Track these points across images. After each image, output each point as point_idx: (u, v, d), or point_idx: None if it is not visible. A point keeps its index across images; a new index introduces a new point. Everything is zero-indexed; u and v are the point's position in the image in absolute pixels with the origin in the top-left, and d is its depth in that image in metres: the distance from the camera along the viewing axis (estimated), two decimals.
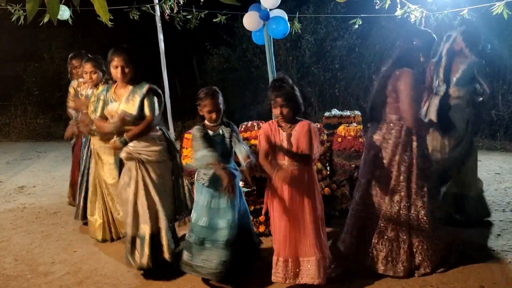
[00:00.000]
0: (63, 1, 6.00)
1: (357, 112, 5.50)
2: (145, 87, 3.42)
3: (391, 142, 3.28)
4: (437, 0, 5.80)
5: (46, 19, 6.65)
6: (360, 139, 4.88)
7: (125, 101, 3.38)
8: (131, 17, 7.88)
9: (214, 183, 3.13)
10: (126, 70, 3.39)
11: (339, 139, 4.94)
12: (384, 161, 3.31)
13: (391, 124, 3.31)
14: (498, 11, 4.70)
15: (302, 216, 3.02)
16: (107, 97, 3.49)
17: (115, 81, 3.51)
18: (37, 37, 13.02)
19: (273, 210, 3.11)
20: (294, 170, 2.97)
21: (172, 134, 10.20)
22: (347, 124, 5.08)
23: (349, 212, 3.59)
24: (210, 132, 3.16)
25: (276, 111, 2.92)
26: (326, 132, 5.15)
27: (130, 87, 3.43)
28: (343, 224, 4.23)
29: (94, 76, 4.33)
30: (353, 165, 4.83)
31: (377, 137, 3.37)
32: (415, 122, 3.22)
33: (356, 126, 4.98)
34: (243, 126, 5.60)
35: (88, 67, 4.31)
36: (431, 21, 5.98)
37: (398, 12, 5.48)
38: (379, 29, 9.50)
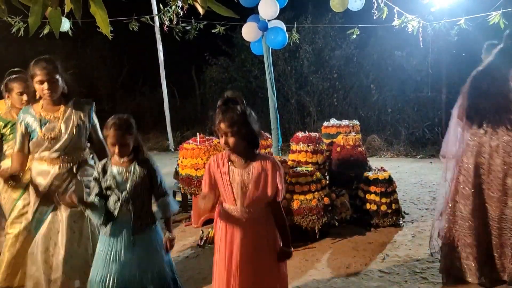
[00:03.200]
0: (65, 14, 6.04)
1: (356, 122, 5.52)
2: (92, 105, 3.00)
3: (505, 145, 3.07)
4: (434, 12, 5.87)
5: (46, 31, 6.70)
6: (359, 149, 4.89)
7: (65, 123, 2.85)
8: (131, 28, 7.94)
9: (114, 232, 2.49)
10: (54, 85, 2.78)
11: (338, 149, 4.95)
12: (493, 167, 3.09)
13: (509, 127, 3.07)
14: (494, 20, 4.76)
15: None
16: (28, 122, 2.83)
17: (37, 100, 2.89)
18: (36, 48, 13.08)
19: (217, 262, 2.40)
20: (248, 220, 2.26)
21: (171, 144, 10.25)
22: (346, 134, 5.09)
23: (448, 236, 3.27)
24: (114, 169, 2.48)
25: (221, 140, 2.22)
26: (325, 141, 5.16)
27: (62, 106, 2.88)
28: (342, 233, 4.26)
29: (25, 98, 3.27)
30: (352, 174, 4.84)
31: (490, 142, 3.13)
32: None
33: (354, 136, 4.99)
34: None
35: (18, 86, 3.29)
36: (428, 31, 6.04)
37: (396, 22, 5.54)
38: (377, 39, 9.57)
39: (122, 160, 2.49)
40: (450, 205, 3.30)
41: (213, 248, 4.12)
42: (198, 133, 4.84)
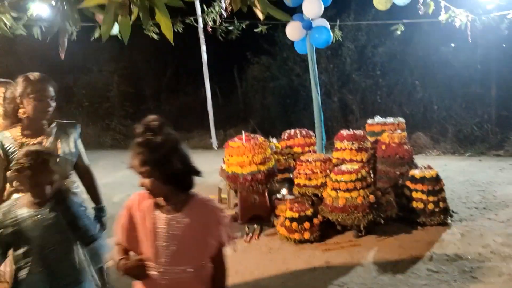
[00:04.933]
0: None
1: (401, 119, 5.46)
2: (77, 129, 2.68)
3: None
4: (482, 3, 5.69)
5: (97, 35, 7.02)
6: (405, 146, 4.85)
7: (55, 142, 2.52)
8: (175, 30, 8.16)
9: None
10: (54, 104, 2.49)
11: (383, 146, 4.92)
12: None
13: None
14: None
15: None
16: (8, 148, 2.41)
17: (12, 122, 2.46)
18: (85, 50, 13.69)
19: None
20: (169, 285, 1.70)
21: (214, 142, 10.46)
22: (391, 131, 5.05)
23: None
24: (24, 212, 1.98)
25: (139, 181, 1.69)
26: (369, 139, 5.15)
27: (45, 131, 2.51)
28: (387, 231, 4.25)
29: None
30: (397, 172, 4.80)
31: None
32: None
33: (400, 133, 4.95)
34: (286, 134, 5.69)
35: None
36: (477, 24, 5.86)
37: (443, 16, 5.41)
38: (422, 35, 9.35)
39: (35, 201, 2.00)
40: None
41: (258, 243, 4.25)
42: (243, 131, 4.95)
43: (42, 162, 1.96)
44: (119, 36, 7.07)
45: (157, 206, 1.72)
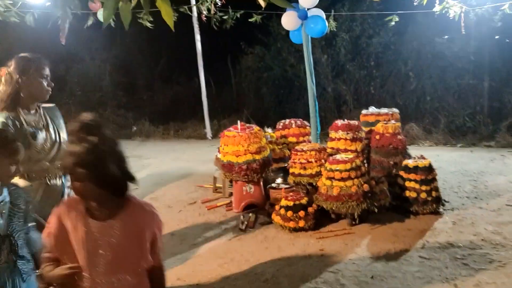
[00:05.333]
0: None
1: (395, 110, 5.51)
2: (58, 109, 2.64)
3: None
4: None
5: (90, 22, 6.97)
6: (399, 136, 4.90)
7: (48, 128, 2.49)
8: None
9: None
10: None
11: (377, 136, 4.97)
12: None
13: None
14: None
15: None
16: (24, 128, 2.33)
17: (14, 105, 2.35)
18: (77, 39, 13.55)
19: None
20: None
21: (209, 132, 10.49)
22: (385, 122, 5.09)
23: None
24: None
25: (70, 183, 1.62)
26: (363, 129, 5.19)
27: (37, 111, 2.48)
28: (381, 220, 4.32)
29: None
30: (391, 162, 4.85)
31: None
32: None
33: (394, 124, 4.99)
34: (281, 124, 5.71)
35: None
36: (471, 16, 5.90)
37: (437, 8, 5.44)
38: (416, 26, 9.36)
39: None
40: None
41: (253, 232, 4.29)
42: (239, 121, 4.96)
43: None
44: (112, 23, 7.06)
45: (89, 212, 1.61)
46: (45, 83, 2.39)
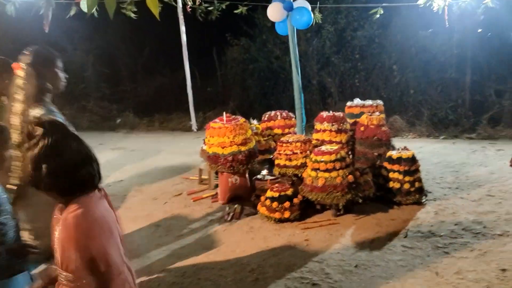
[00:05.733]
0: None
1: (380, 102, 5.56)
2: None
3: None
4: None
5: (72, 12, 6.85)
6: (383, 128, 4.95)
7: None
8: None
9: None
10: None
11: (362, 128, 5.01)
12: None
13: None
14: None
15: None
16: None
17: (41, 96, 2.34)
18: (59, 28, 13.28)
19: None
20: (62, 284, 1.58)
21: (194, 125, 10.43)
22: (370, 113, 5.14)
23: None
24: None
25: None
26: (348, 121, 5.23)
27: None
28: (365, 210, 4.38)
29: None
30: (375, 153, 4.91)
31: None
32: None
33: (378, 115, 5.04)
34: (267, 115, 5.72)
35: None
36: (454, 9, 5.96)
37: (421, 1, 5.49)
38: (400, 19, 9.43)
39: None
40: None
41: (239, 223, 4.30)
42: (224, 112, 4.95)
43: None
44: (95, 13, 6.95)
45: (59, 212, 1.63)
46: (62, 74, 2.40)
